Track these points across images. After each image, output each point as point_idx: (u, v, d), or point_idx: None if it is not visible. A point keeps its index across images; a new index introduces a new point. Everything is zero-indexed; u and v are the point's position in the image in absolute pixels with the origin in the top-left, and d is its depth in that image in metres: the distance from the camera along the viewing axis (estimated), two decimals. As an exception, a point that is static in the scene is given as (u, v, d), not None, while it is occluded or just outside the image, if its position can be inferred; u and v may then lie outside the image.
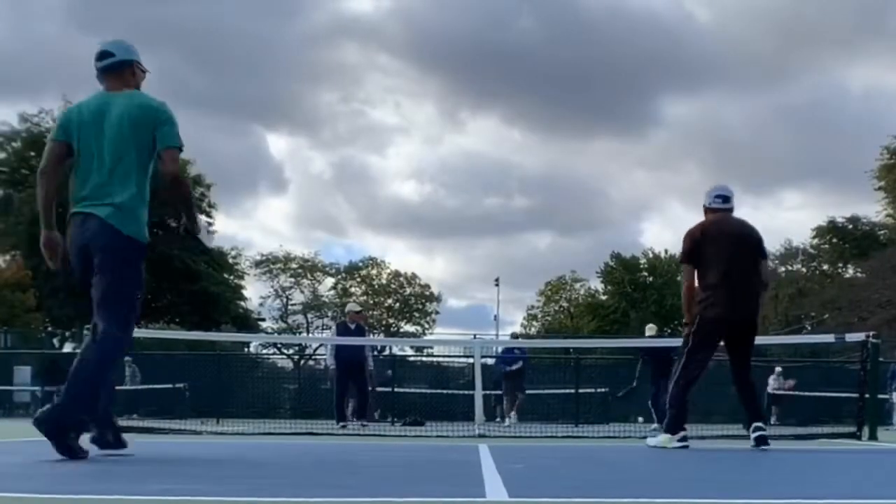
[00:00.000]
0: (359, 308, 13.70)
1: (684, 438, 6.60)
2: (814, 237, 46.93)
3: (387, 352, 21.98)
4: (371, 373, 13.40)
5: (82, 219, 4.46)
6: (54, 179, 4.55)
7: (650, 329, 13.92)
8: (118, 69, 4.70)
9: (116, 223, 4.42)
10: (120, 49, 4.74)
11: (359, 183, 74.48)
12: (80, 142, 4.51)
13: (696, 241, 6.65)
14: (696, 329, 6.58)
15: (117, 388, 18.65)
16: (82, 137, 4.51)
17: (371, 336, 15.32)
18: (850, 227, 45.11)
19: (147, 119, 4.54)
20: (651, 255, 55.24)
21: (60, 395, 4.37)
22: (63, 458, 4.31)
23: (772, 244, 48.95)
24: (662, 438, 6.66)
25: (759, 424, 6.65)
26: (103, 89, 4.70)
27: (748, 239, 6.73)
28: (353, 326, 12.97)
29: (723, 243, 6.60)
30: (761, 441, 6.52)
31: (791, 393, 21.44)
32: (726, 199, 6.86)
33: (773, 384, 21.77)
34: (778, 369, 22.32)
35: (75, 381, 4.35)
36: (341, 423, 11.78)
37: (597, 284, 55.89)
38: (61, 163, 4.58)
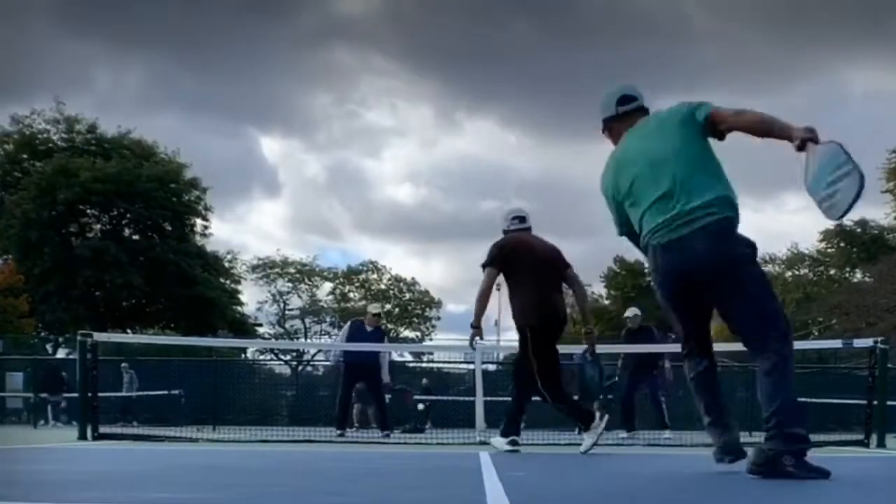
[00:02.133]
0: (378, 310, 12.83)
1: (514, 442, 7.11)
2: (821, 241, 46.92)
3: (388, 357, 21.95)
4: (388, 385, 12.60)
5: None
6: None
7: (631, 311, 13.31)
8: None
9: None
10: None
11: (354, 186, 74.49)
12: None
13: (504, 252, 7.17)
14: (530, 337, 7.03)
15: (114, 394, 18.75)
16: None
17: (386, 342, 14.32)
18: (859, 230, 45.07)
19: None
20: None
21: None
22: (58, 466, 4.30)
23: (776, 248, 49.04)
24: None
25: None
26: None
27: (549, 252, 7.30)
28: (369, 329, 11.99)
29: (527, 257, 7.14)
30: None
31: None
32: (522, 219, 7.50)
33: None
34: None
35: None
36: (339, 432, 11.19)
37: (600, 289, 55.92)
38: None
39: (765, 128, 4.01)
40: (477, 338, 7.31)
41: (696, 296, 4.17)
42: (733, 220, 4.12)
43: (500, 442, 7.17)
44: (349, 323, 12.64)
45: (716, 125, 4.13)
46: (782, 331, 4.03)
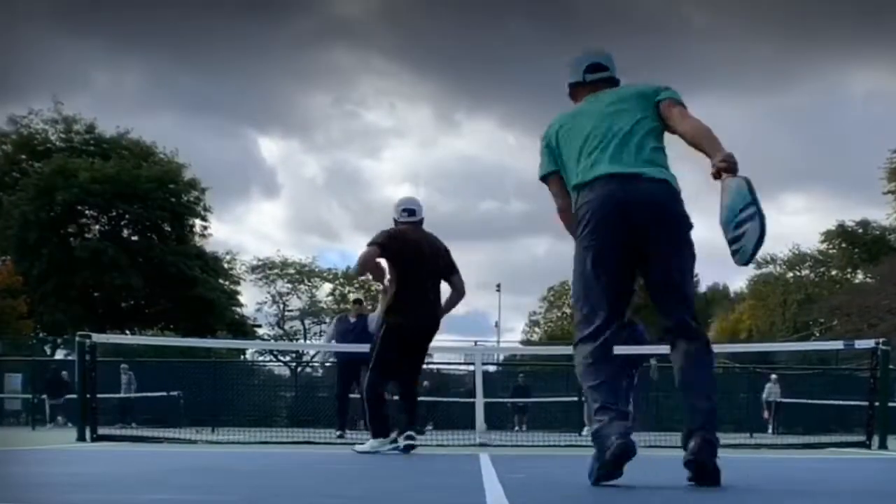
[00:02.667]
0: (359, 295, 12.61)
1: (394, 440, 7.01)
2: (822, 241, 46.93)
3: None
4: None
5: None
6: None
7: None
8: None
9: None
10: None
11: (352, 187, 74.52)
12: None
13: (393, 243, 6.96)
14: (384, 333, 6.98)
15: (112, 395, 18.75)
16: None
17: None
18: (860, 231, 45.09)
19: None
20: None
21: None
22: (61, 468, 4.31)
23: (777, 249, 48.99)
24: (374, 444, 6.92)
25: (412, 433, 7.01)
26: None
27: (435, 254, 7.11)
28: (353, 320, 11.66)
29: (410, 254, 6.97)
30: (410, 448, 6.91)
31: (788, 401, 21.46)
32: (412, 212, 7.22)
33: (768, 392, 21.85)
34: (773, 377, 22.36)
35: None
36: (339, 432, 11.13)
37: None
38: None
39: (697, 139, 3.73)
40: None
41: (624, 242, 3.71)
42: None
43: (376, 444, 6.92)
44: (335, 319, 12.42)
45: (665, 115, 3.88)
46: (695, 320, 3.79)
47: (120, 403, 20.10)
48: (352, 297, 12.75)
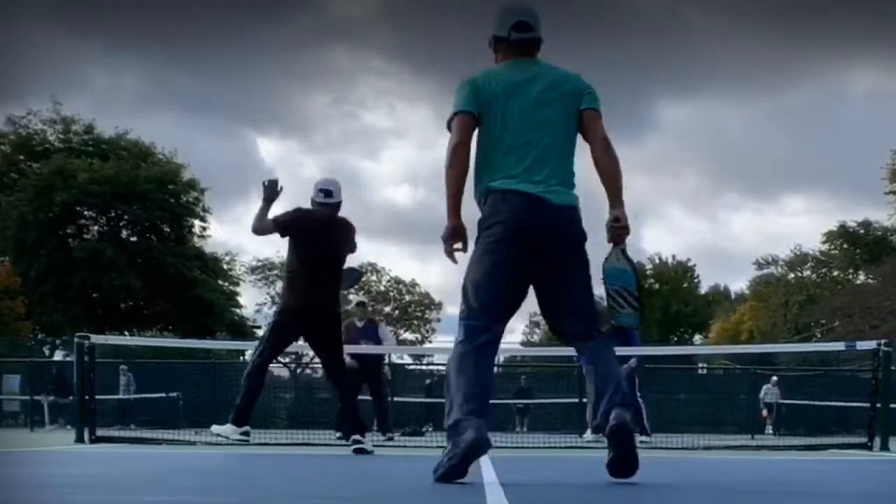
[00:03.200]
0: (362, 299, 11.93)
1: (247, 433, 6.92)
2: (824, 242, 46.92)
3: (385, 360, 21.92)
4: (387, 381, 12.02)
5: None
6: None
7: (599, 307, 12.90)
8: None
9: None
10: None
11: (351, 188, 74.34)
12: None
13: (298, 223, 6.78)
14: (274, 316, 6.96)
15: (111, 397, 18.73)
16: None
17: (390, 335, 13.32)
18: (862, 232, 45.06)
19: None
20: (658, 262, 55.36)
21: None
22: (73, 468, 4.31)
23: (779, 250, 49.08)
24: (227, 429, 6.85)
25: (357, 438, 6.91)
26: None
27: (337, 241, 6.88)
28: (360, 324, 11.36)
29: (310, 238, 6.78)
30: (360, 451, 6.82)
31: (790, 402, 21.47)
32: (329, 193, 6.95)
33: (765, 392, 21.85)
34: (774, 378, 22.36)
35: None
36: (339, 434, 10.65)
37: (601, 291, 55.90)
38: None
39: (607, 177, 3.96)
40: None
41: (526, 260, 3.90)
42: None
43: (231, 429, 6.85)
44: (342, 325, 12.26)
45: (586, 127, 3.99)
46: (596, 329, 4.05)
47: (119, 405, 20.10)
48: (353, 299, 12.40)
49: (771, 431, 20.92)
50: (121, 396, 20.08)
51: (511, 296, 3.95)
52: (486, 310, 3.90)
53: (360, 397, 9.78)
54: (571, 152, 4.04)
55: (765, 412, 21.77)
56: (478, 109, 3.97)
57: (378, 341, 11.46)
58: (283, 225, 6.80)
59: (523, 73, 4.02)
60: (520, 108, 3.94)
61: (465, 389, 3.75)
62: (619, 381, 3.85)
